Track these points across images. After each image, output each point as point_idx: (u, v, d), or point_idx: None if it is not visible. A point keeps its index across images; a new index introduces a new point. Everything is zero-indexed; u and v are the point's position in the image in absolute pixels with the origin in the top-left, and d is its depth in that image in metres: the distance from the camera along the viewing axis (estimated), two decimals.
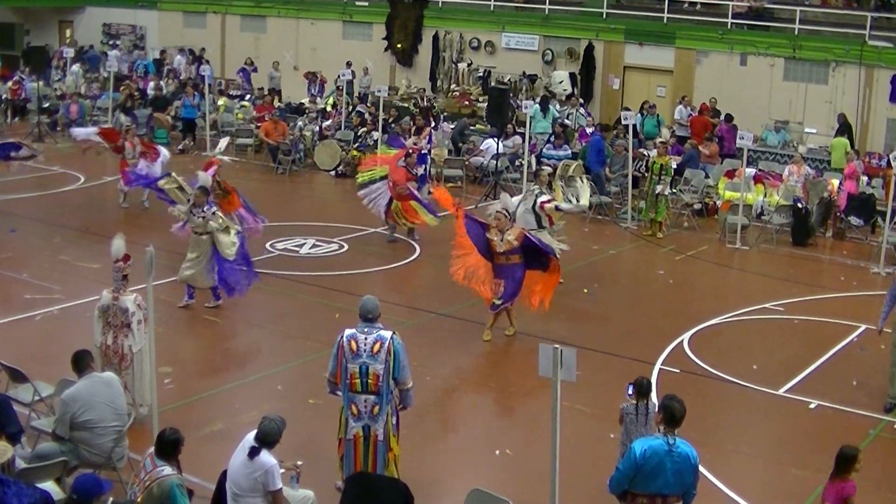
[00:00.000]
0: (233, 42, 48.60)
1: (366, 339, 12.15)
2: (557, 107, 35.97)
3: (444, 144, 33.45)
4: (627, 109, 31.60)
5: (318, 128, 35.48)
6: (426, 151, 27.89)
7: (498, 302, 18.46)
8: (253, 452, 10.76)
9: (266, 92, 41.30)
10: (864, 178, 28.62)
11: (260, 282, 20.44)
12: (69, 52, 46.19)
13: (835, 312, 20.97)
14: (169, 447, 10.66)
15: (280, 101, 40.68)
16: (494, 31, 41.52)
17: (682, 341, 18.96)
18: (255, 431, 10.90)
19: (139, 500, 10.54)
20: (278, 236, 24.87)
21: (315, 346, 17.59)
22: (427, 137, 29.60)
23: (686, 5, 38.17)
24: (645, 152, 29.59)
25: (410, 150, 25.36)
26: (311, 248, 24.46)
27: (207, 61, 46.31)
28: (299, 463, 11.74)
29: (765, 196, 28.30)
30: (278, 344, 18.77)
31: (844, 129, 32.50)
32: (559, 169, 25.04)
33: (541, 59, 40.24)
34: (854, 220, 27.17)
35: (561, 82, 38.64)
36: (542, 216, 20.76)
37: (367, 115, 36.29)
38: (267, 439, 10.82)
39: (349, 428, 12.30)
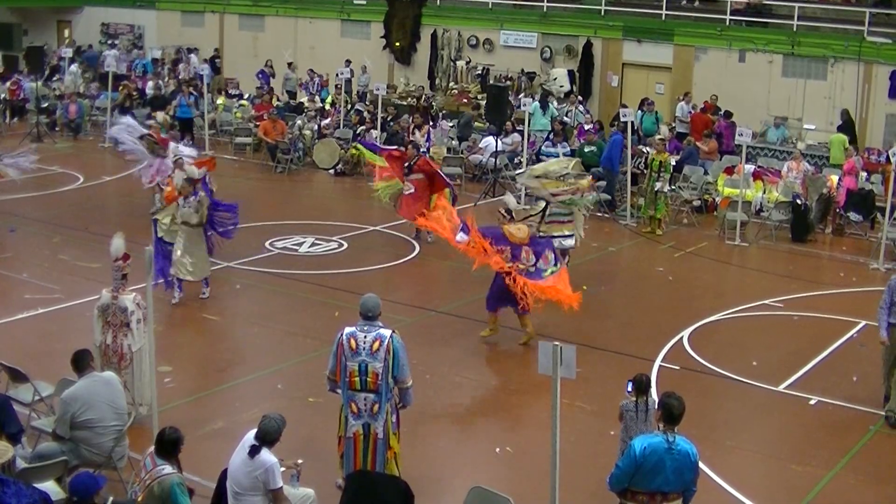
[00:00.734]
0: (231, 41, 48.62)
1: (365, 337, 12.15)
2: (556, 104, 35.96)
3: (443, 142, 33.44)
4: (625, 106, 31.58)
5: (317, 126, 35.48)
6: (425, 150, 27.89)
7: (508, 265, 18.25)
8: (253, 451, 10.76)
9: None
10: (864, 174, 28.59)
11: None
12: (67, 52, 46.19)
13: (834, 309, 20.99)
14: (169, 446, 10.67)
15: (279, 100, 40.64)
16: (493, 29, 41.55)
17: (681, 338, 18.96)
18: (255, 430, 10.90)
19: (140, 499, 10.55)
20: (277, 235, 24.89)
21: (314, 345, 17.60)
22: (426, 135, 29.59)
23: (684, 2, 38.25)
24: (644, 149, 29.57)
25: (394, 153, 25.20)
26: (310, 247, 24.45)
27: (217, 59, 46.46)
28: (299, 461, 11.73)
29: (764, 192, 28.32)
30: (278, 342, 18.76)
31: (848, 125, 32.50)
32: (556, 163, 24.79)
33: (539, 57, 40.26)
34: (853, 216, 27.18)
35: (556, 79, 38.65)
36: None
37: (365, 114, 36.30)
38: (267, 438, 10.82)
39: (349, 426, 12.29)
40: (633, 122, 29.87)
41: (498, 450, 14.64)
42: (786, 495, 13.63)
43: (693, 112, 34.63)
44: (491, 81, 38.82)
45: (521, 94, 37.00)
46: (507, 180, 30.37)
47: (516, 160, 31.13)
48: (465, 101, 38.96)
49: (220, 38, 49.21)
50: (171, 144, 25.06)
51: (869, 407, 16.21)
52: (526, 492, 12.25)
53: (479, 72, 40.84)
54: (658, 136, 29.68)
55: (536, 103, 34.10)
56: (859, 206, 27.13)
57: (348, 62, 40.11)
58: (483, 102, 35.52)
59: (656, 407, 10.94)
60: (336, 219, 26.91)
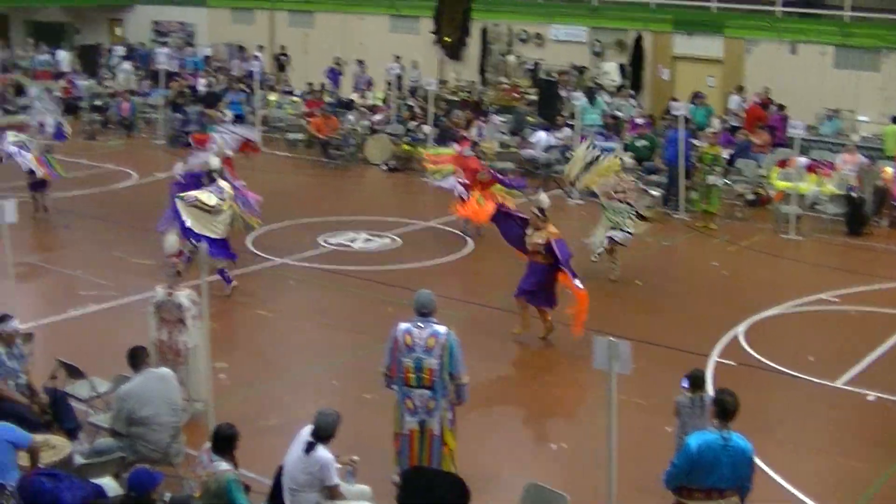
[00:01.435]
0: (281, 38, 48.66)
1: (420, 333, 12.18)
2: (607, 98, 35.85)
3: (494, 137, 33.41)
4: (676, 100, 31.39)
5: (368, 122, 35.53)
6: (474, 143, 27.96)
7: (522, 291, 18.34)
8: (309, 447, 10.80)
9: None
10: None
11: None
12: (120, 50, 46.40)
13: (892, 302, 20.81)
14: (225, 442, 10.72)
15: (329, 96, 40.65)
16: (543, 23, 41.39)
17: (736, 333, 18.85)
18: (310, 426, 10.93)
19: (196, 495, 10.60)
20: (331, 231, 24.94)
21: (368, 341, 17.58)
22: (476, 130, 29.57)
23: None
24: (696, 143, 29.40)
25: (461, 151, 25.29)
26: (363, 243, 24.48)
27: (283, 56, 46.48)
28: (355, 458, 11.76)
29: (818, 185, 28.08)
30: (332, 338, 18.83)
31: None
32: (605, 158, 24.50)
33: (589, 51, 40.14)
34: None
35: (607, 73, 38.53)
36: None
37: (416, 109, 36.31)
38: (323, 434, 10.85)
39: (405, 423, 12.32)
40: (685, 116, 29.69)
41: (554, 446, 14.63)
42: (843, 492, 13.55)
43: (746, 105, 34.42)
44: (541, 76, 38.76)
45: (571, 89, 36.87)
46: (558, 175, 30.28)
47: (568, 154, 31.05)
48: (516, 95, 38.91)
49: (271, 35, 49.29)
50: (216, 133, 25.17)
51: None
52: (582, 488, 12.20)
53: (530, 66, 40.76)
54: (710, 130, 29.55)
55: (584, 98, 34.01)
56: None
57: (398, 58, 40.11)
58: (533, 97, 35.48)
59: (711, 403, 10.89)
60: (389, 214, 26.92)
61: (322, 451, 10.80)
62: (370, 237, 24.82)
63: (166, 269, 15.22)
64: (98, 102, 39.97)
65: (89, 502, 10.48)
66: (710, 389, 13.40)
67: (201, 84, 41.81)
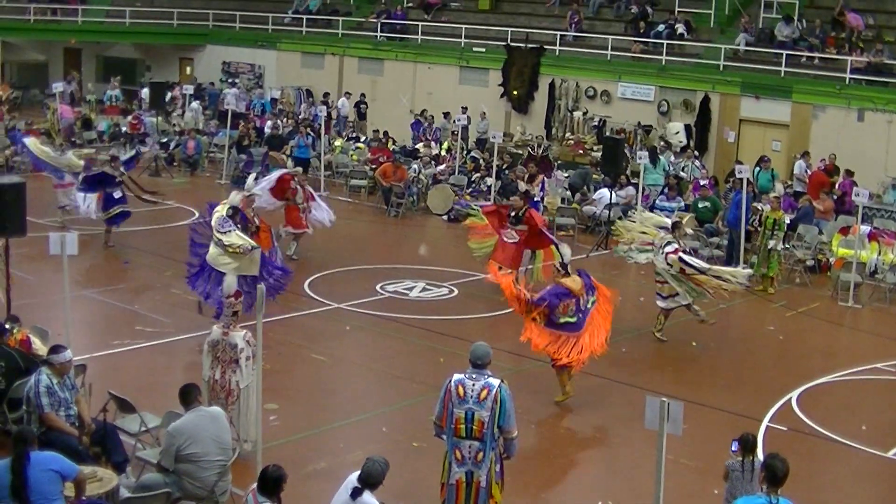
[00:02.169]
0: (349, 84, 48.98)
1: (473, 385, 12.17)
2: (672, 158, 35.84)
3: (558, 192, 33.43)
4: (741, 163, 31.30)
5: (432, 172, 35.67)
6: (538, 199, 27.95)
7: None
8: (356, 493, 10.79)
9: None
10: None
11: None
12: (188, 89, 46.94)
13: None
14: (272, 484, 10.73)
15: (395, 143, 40.83)
16: (611, 81, 41.51)
17: (790, 399, 18.71)
18: (358, 472, 10.92)
19: None
20: (389, 278, 25.02)
21: (420, 389, 17.63)
22: (539, 185, 29.60)
23: (804, 59, 37.88)
24: (759, 206, 29.29)
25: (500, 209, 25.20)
26: (420, 292, 24.53)
27: (363, 105, 46.70)
28: None
29: (879, 254, 27.85)
30: (384, 385, 18.86)
31: None
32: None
33: (656, 110, 40.15)
34: None
35: (676, 133, 38.50)
36: (668, 268, 20.96)
37: (481, 161, 36.41)
38: (370, 480, 10.84)
39: (452, 473, 12.30)
40: (748, 179, 29.59)
41: (601, 503, 14.56)
42: None
43: (810, 170, 34.28)
44: (607, 133, 38.77)
45: (637, 147, 36.86)
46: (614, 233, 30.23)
47: (630, 213, 31.01)
48: (581, 151, 38.95)
49: (339, 81, 49.65)
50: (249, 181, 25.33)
51: None
52: None
53: (596, 123, 40.80)
54: (773, 194, 29.45)
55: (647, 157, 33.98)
56: None
57: (465, 109, 40.26)
58: (598, 154, 35.51)
59: (761, 468, 10.82)
60: (447, 265, 26.97)
61: (368, 498, 10.79)
62: (428, 286, 24.87)
63: (223, 308, 15.31)
64: (165, 140, 40.37)
65: None
66: (760, 454, 13.31)
67: (267, 126, 42.16)
